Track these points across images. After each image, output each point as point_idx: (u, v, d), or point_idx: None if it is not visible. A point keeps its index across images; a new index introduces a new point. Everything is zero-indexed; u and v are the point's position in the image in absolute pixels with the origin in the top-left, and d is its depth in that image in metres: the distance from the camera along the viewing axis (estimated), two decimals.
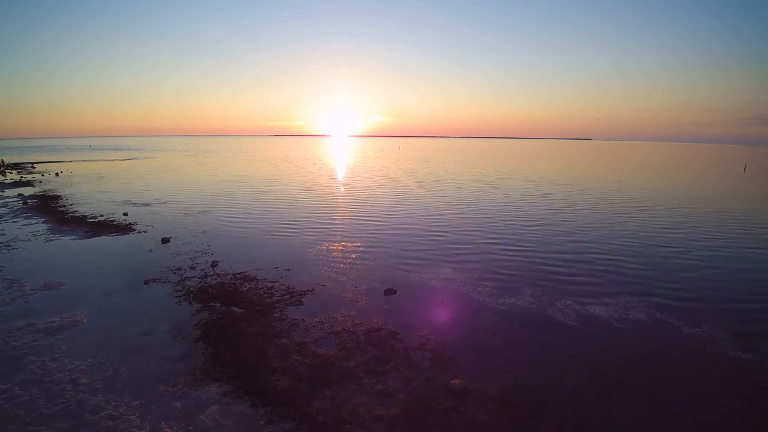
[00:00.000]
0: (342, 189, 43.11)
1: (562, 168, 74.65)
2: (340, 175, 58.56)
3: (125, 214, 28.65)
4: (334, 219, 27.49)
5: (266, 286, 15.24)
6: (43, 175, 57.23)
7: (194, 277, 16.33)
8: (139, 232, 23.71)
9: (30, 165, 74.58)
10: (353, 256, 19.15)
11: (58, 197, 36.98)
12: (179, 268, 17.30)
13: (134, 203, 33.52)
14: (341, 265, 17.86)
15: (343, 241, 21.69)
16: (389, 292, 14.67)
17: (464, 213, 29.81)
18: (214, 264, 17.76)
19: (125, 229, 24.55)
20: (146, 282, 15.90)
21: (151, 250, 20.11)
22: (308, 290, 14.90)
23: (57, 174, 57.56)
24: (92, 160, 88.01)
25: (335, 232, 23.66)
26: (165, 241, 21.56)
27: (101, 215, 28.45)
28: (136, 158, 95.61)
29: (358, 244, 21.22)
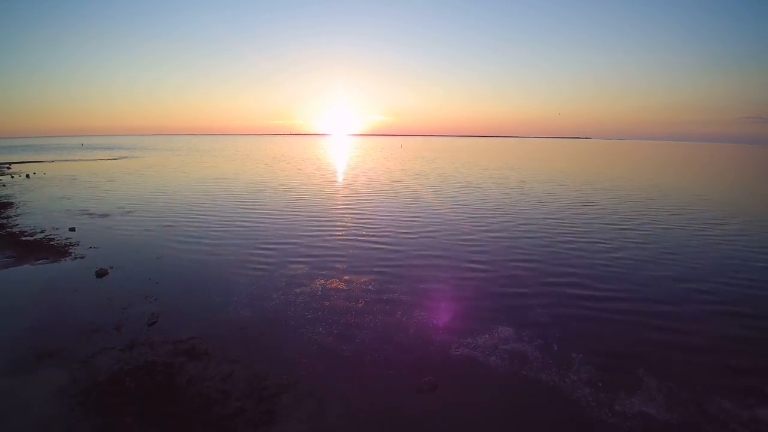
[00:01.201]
0: (342, 196, 37.01)
1: (580, 168, 68.44)
2: (340, 177, 52.06)
3: (72, 230, 22.81)
4: (332, 241, 21.07)
5: (220, 374, 9.30)
6: (12, 177, 51.61)
7: (114, 348, 10.42)
8: (75, 258, 17.86)
9: (6, 165, 68.84)
10: (360, 306, 13.03)
11: (9, 205, 31.22)
12: (98, 329, 11.38)
13: (91, 213, 27.67)
14: (343, 323, 11.84)
15: (345, 276, 15.59)
16: (426, 387, 8.78)
17: (503, 233, 22.51)
18: (153, 320, 11.83)
19: (60, 253, 18.70)
20: (39, 357, 10.07)
21: (75, 290, 14.25)
22: (289, 384, 8.96)
23: (28, 176, 52.22)
24: (75, 160, 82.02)
25: (333, 263, 17.37)
26: (101, 274, 15.69)
27: (42, 231, 22.62)
28: (123, 158, 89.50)
29: (366, 281, 15.11)
